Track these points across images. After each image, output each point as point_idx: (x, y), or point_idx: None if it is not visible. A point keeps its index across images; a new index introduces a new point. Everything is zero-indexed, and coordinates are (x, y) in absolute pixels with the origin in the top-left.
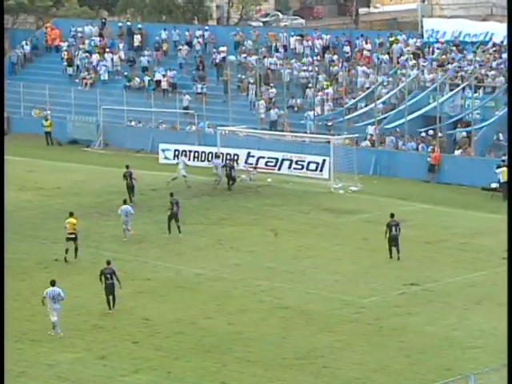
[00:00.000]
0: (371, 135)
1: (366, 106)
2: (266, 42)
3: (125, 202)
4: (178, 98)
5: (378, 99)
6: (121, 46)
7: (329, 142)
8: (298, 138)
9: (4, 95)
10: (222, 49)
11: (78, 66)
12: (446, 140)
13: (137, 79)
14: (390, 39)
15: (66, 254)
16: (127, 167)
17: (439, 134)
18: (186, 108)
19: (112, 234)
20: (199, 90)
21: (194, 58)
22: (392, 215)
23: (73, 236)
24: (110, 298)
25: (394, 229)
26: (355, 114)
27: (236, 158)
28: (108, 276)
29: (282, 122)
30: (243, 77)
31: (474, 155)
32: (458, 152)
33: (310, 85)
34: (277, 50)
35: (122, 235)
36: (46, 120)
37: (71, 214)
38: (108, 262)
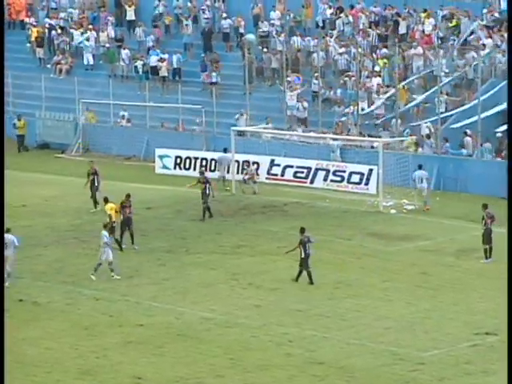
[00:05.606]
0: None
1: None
2: (294, 16)
3: (7, 231)
4: (180, 88)
5: (442, 91)
6: (107, 21)
7: (376, 147)
8: (337, 140)
9: (4, 95)
10: (237, 24)
11: (50, 47)
12: None
13: (124, 64)
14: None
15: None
16: None
17: None
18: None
19: (93, 266)
20: (210, 79)
21: (201, 36)
22: (302, 230)
23: (115, 224)
24: None
25: (307, 246)
26: (410, 105)
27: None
28: None
29: (315, 121)
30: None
31: None
32: None
33: (353, 72)
34: (316, 27)
35: (104, 269)
36: (19, 120)
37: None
38: None
